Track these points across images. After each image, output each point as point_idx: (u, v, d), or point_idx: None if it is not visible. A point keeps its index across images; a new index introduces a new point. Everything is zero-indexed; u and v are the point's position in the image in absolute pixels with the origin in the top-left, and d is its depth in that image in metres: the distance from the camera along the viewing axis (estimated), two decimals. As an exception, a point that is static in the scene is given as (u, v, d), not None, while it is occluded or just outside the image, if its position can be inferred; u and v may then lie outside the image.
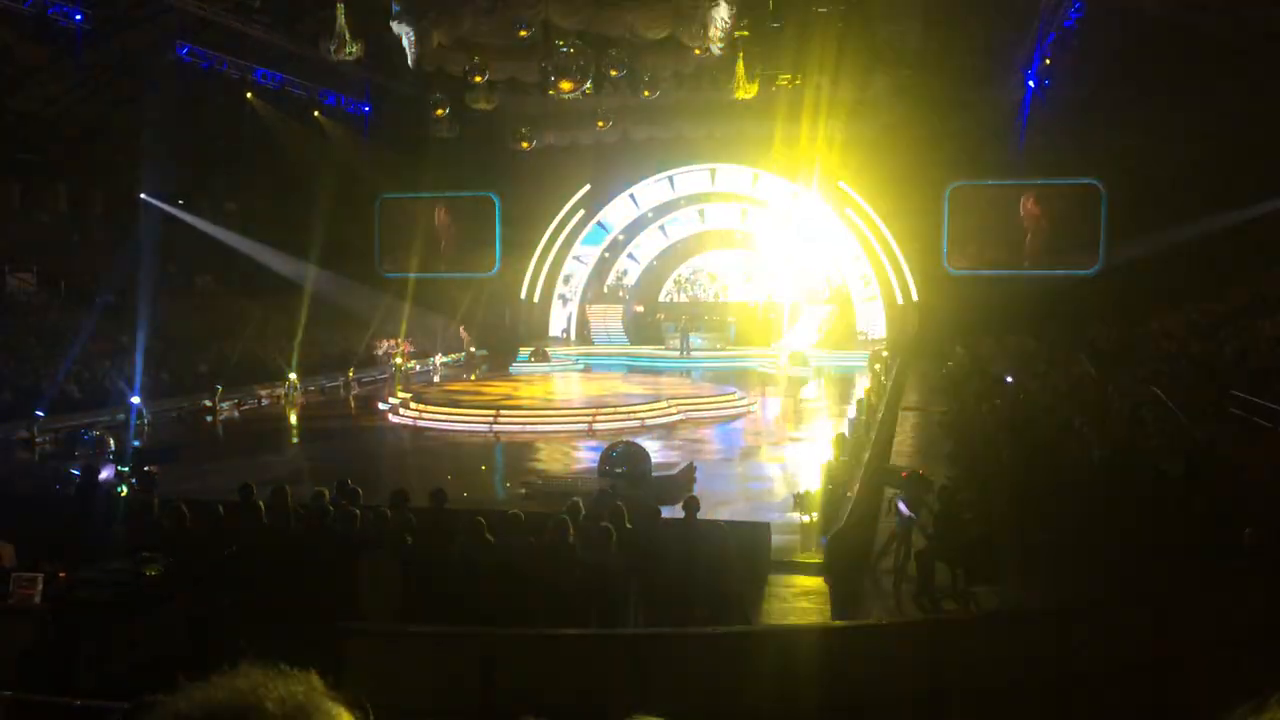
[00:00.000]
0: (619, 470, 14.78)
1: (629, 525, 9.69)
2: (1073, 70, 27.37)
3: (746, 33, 24.30)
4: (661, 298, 37.91)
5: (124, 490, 12.48)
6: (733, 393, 25.31)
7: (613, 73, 23.28)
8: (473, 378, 30.12)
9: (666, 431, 21.55)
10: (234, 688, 0.98)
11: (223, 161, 33.54)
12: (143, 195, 31.74)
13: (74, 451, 18.73)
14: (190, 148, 32.01)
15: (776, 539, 12.31)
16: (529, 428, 21.94)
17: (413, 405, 23.60)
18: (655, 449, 17.84)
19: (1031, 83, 29.07)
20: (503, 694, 6.96)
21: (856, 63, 28.13)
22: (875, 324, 34.62)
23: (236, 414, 25.15)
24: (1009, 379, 22.47)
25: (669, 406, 23.11)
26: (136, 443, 19.66)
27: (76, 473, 15.62)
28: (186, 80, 27.22)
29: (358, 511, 10.04)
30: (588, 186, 36.10)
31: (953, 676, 7.14)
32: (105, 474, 13.86)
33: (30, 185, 31.23)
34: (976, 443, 16.16)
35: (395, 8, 20.63)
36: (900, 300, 34.02)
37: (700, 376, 30.34)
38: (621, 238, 37.39)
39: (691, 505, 10.16)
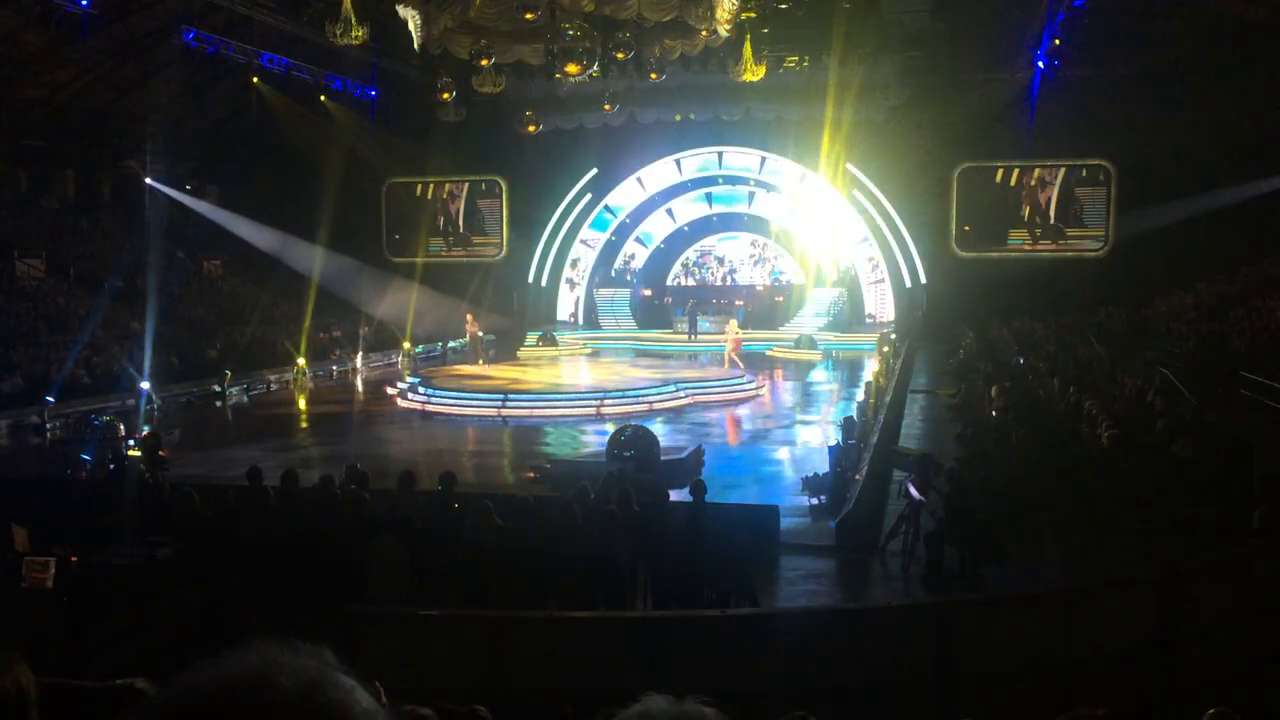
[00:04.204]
0: (627, 454, 14.78)
1: (637, 509, 9.71)
2: (1082, 51, 27.18)
3: (754, 14, 24.15)
4: (669, 281, 37.78)
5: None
6: (741, 376, 25.27)
7: (619, 55, 23.17)
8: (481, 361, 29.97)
9: (675, 415, 21.55)
10: (246, 663, 0.98)
11: (229, 146, 33.52)
12: (150, 181, 31.78)
13: (84, 437, 18.81)
14: (197, 133, 32.01)
15: (785, 521, 12.35)
16: (537, 412, 21.97)
17: (421, 390, 23.64)
18: (663, 433, 17.85)
19: (1041, 63, 28.85)
20: (512, 677, 6.99)
21: (864, 44, 27.96)
22: (883, 307, 34.54)
23: (246, 399, 25.23)
24: (1018, 361, 22.44)
25: (677, 390, 23.11)
26: (147, 428, 19.72)
27: (87, 458, 15.78)
28: (192, 65, 27.18)
29: (367, 495, 10.09)
30: (594, 170, 35.98)
31: (961, 658, 7.14)
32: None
33: (38, 172, 31.29)
34: (985, 425, 16.15)
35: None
36: (908, 283, 33.89)
37: (708, 360, 30.29)
38: (628, 221, 37.30)
39: (699, 489, 10.18)
